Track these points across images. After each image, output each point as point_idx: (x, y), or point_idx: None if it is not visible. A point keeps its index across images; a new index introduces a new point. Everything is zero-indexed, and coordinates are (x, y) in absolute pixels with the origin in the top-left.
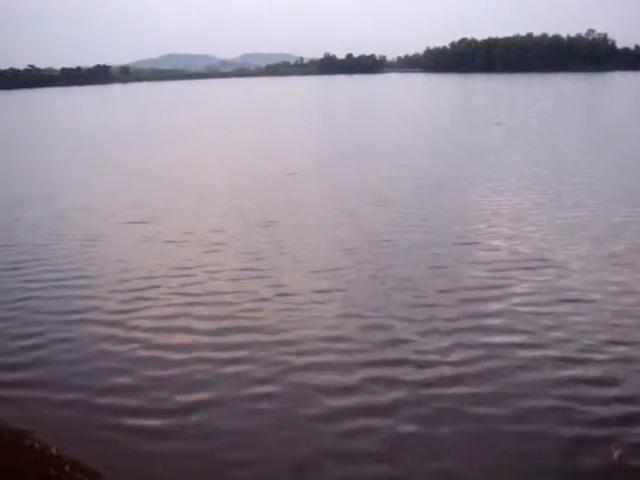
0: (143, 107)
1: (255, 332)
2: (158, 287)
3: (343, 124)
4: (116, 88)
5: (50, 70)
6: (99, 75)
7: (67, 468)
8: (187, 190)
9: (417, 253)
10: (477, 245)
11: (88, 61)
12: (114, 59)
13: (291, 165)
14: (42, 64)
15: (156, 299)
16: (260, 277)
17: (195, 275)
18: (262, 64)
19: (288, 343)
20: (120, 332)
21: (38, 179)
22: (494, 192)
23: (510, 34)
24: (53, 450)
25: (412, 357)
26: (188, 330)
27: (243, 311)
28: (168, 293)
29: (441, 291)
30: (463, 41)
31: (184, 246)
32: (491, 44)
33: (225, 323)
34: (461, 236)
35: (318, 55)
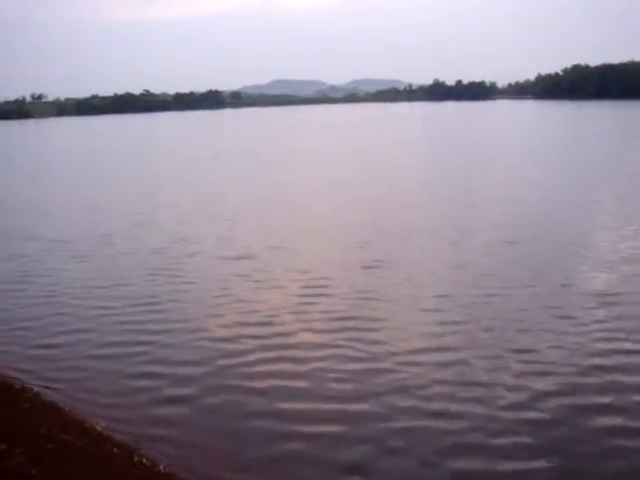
0: (262, 132)
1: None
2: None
3: (458, 153)
4: (228, 113)
5: (164, 95)
6: (211, 100)
7: None
8: (296, 218)
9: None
10: None
11: (199, 86)
12: (224, 85)
13: (408, 196)
14: (157, 89)
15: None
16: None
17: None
18: (371, 90)
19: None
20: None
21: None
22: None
23: (625, 60)
24: (161, 467)
25: None
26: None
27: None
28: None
29: None
30: (576, 67)
31: (284, 286)
32: (605, 70)
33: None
34: None
35: (427, 81)
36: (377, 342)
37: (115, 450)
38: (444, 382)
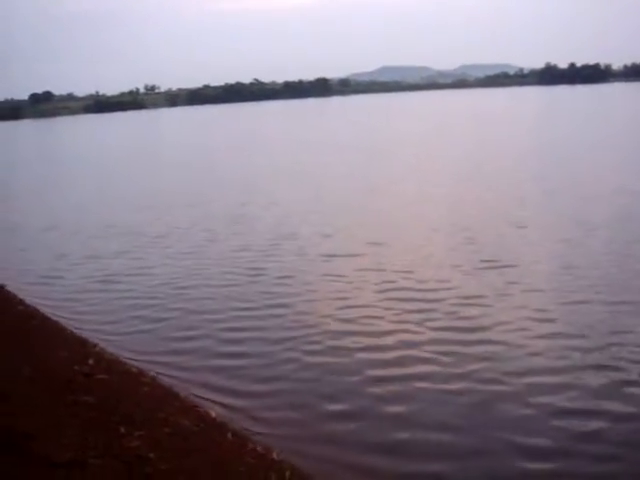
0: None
1: None
2: None
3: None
4: (336, 100)
5: (273, 84)
6: (319, 88)
7: (287, 474)
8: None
9: None
10: None
11: (308, 75)
12: (332, 72)
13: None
14: (266, 78)
15: None
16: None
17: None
18: (480, 75)
19: None
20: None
21: None
22: None
23: None
24: (274, 454)
25: None
26: None
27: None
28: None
29: None
30: None
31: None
32: None
33: None
34: None
35: (539, 65)
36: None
37: (229, 436)
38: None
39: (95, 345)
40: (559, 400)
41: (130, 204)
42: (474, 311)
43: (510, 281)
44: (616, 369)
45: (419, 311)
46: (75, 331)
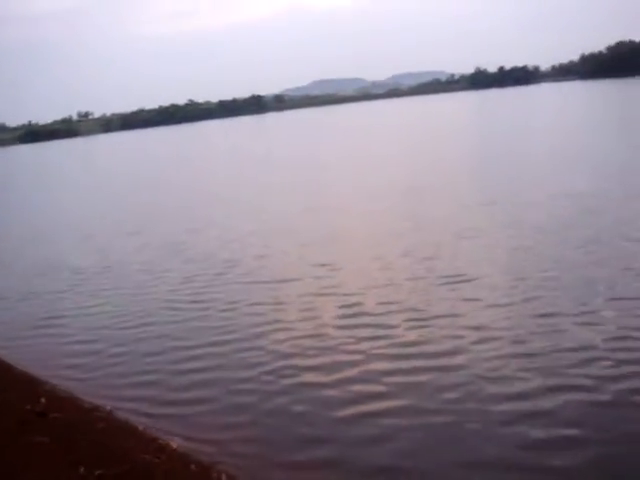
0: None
1: None
2: None
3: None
4: (271, 117)
5: (207, 104)
6: (253, 105)
7: None
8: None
9: None
10: None
11: (241, 93)
12: (266, 89)
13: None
14: (200, 98)
15: None
16: None
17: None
18: (413, 83)
19: None
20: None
21: None
22: None
23: None
24: None
25: None
26: None
27: None
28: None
29: None
30: (620, 44)
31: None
32: None
33: None
34: None
35: (469, 70)
36: None
37: (193, 467)
38: None
39: (45, 383)
40: (523, 430)
41: (66, 236)
42: (429, 334)
43: (465, 298)
44: (579, 389)
45: (372, 338)
46: (23, 369)
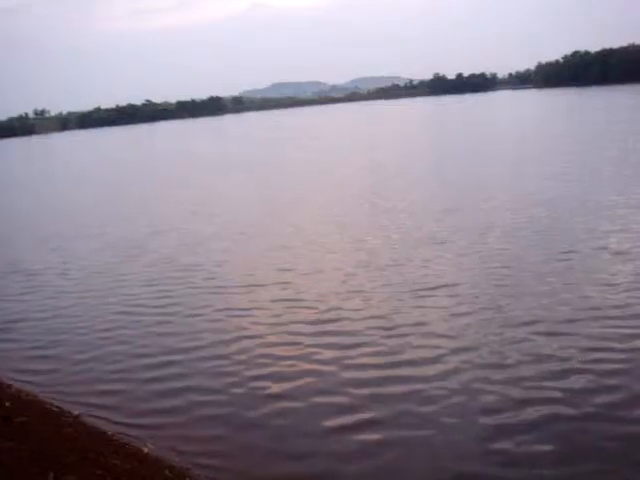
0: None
1: None
2: None
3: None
4: (229, 118)
5: (166, 104)
6: (212, 106)
7: None
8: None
9: None
10: None
11: (200, 94)
12: (224, 91)
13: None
14: (158, 99)
15: None
16: None
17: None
18: (372, 87)
19: None
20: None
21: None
22: None
23: (625, 43)
24: None
25: None
26: None
27: None
28: None
29: None
30: (576, 54)
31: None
32: (606, 55)
33: None
34: None
35: (427, 76)
36: None
37: (167, 472)
38: None
39: (10, 386)
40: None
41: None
42: (395, 345)
43: (434, 305)
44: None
45: (340, 347)
46: None
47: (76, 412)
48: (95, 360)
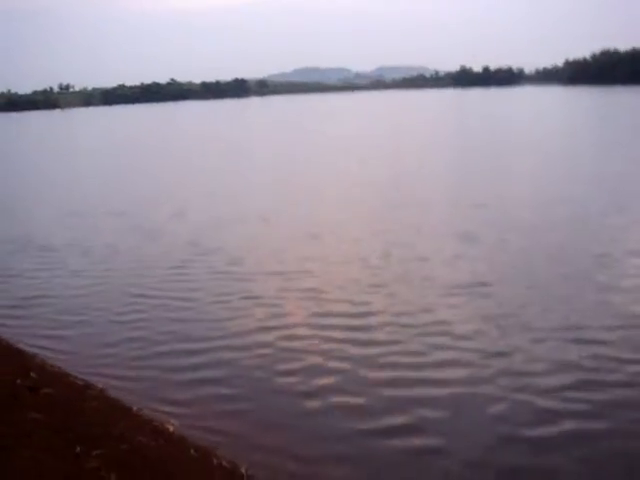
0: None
1: None
2: None
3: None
4: (255, 101)
5: (190, 84)
6: (237, 88)
7: None
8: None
9: None
10: None
11: (225, 75)
12: (249, 73)
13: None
14: (183, 79)
15: None
16: None
17: None
18: (397, 77)
19: None
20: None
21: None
22: None
23: None
24: (243, 470)
25: None
26: None
27: None
28: None
29: None
30: (605, 52)
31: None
32: (635, 55)
33: None
34: None
35: (454, 68)
36: None
37: (192, 452)
38: None
39: (34, 356)
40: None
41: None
42: (424, 345)
43: (462, 304)
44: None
45: (367, 344)
46: (10, 342)
47: (100, 385)
48: (114, 345)
